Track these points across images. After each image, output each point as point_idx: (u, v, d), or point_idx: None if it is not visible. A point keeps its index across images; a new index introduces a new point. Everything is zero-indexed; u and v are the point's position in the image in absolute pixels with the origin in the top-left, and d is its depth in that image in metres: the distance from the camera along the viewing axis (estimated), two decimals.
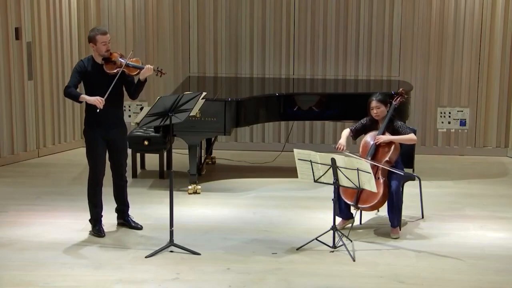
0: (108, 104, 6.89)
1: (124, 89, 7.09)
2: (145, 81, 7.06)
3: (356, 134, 7.42)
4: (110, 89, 6.86)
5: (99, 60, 6.99)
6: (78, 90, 7.00)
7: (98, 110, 6.82)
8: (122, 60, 6.98)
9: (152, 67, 7.02)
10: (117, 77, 6.91)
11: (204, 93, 6.98)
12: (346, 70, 10.01)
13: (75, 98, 6.98)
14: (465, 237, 7.21)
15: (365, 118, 7.40)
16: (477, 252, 6.84)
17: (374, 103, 7.25)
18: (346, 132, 7.38)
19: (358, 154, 7.19)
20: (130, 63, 7.00)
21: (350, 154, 7.00)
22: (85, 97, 6.92)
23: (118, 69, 6.95)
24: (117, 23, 9.96)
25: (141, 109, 9.62)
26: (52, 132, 9.88)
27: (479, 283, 6.26)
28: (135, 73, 7.01)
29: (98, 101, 6.84)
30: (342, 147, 7.22)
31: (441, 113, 10.04)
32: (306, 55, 10.02)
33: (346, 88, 9.63)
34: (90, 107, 6.98)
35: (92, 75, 6.97)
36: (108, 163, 7.18)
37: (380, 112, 7.25)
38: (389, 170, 7.09)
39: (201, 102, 7.00)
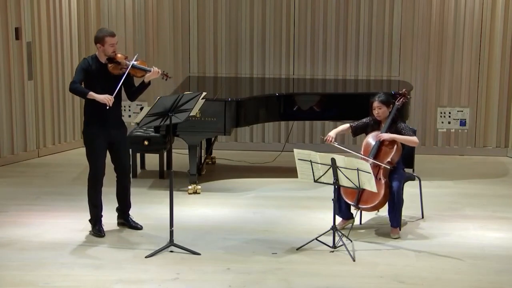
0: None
1: (122, 90, 7.08)
2: (149, 83, 7.05)
3: (356, 131, 7.39)
4: (117, 89, 6.83)
5: (103, 59, 6.97)
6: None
7: (107, 107, 6.79)
8: (127, 61, 6.97)
9: (159, 70, 7.00)
10: (123, 77, 6.88)
11: (204, 93, 6.97)
12: (346, 70, 10.00)
13: (83, 94, 6.88)
14: (465, 237, 7.21)
15: (368, 118, 7.38)
16: (477, 252, 6.84)
17: (376, 104, 7.24)
18: (343, 126, 7.36)
19: (344, 146, 7.20)
20: (136, 64, 6.99)
21: (339, 146, 7.03)
22: (93, 95, 6.82)
23: (123, 69, 6.93)
24: (117, 23, 9.95)
25: (141, 109, 9.58)
26: (52, 132, 9.88)
27: (479, 283, 6.26)
28: (141, 75, 7.00)
29: (108, 99, 6.79)
30: (330, 138, 7.22)
31: (441, 113, 10.04)
32: (306, 55, 10.02)
33: (346, 88, 9.62)
34: (90, 107, 6.96)
35: (96, 74, 6.93)
36: (111, 165, 7.16)
37: (381, 113, 7.24)
38: (390, 171, 7.09)
39: (201, 102, 7.00)
